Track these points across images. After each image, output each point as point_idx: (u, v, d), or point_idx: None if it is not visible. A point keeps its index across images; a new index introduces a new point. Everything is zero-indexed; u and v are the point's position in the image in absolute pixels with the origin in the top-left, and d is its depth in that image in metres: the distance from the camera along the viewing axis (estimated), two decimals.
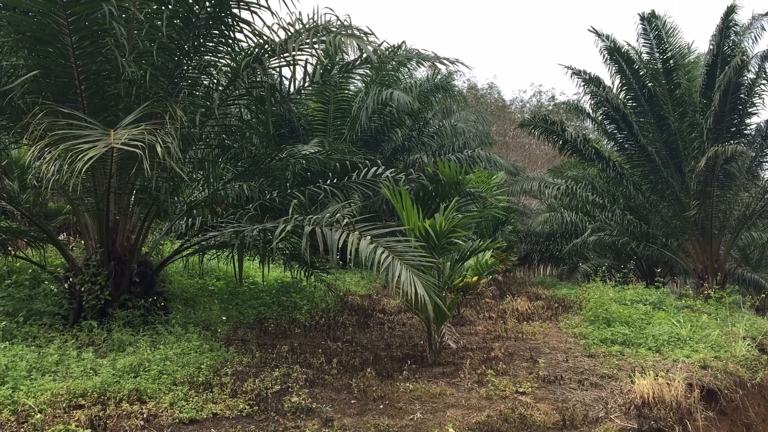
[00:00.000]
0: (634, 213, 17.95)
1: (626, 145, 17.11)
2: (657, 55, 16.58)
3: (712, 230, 16.16)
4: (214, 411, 5.51)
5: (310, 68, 9.10)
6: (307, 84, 9.43)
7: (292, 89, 9.28)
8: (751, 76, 15.74)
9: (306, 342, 8.43)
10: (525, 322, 10.37)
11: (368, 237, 6.66)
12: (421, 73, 18.89)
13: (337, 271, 13.58)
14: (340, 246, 6.75)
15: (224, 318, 8.90)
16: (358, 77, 14.89)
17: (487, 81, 40.01)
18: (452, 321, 9.64)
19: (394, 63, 15.28)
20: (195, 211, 10.24)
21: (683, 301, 12.15)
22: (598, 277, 13.55)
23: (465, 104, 22.99)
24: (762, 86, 15.81)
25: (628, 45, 16.86)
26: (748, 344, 9.10)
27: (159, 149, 5.93)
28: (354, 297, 12.23)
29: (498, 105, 39.98)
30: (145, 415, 5.29)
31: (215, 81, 8.73)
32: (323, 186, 9.68)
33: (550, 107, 37.56)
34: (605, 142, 19.14)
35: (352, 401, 6.15)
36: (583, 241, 18.97)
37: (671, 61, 16.32)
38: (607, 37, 16.71)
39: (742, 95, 15.66)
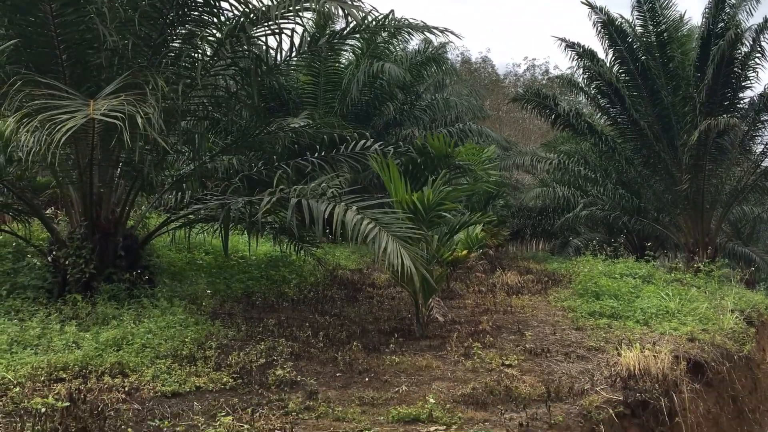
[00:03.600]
0: (626, 187, 17.90)
1: (619, 119, 17.01)
2: (651, 28, 16.43)
3: (704, 204, 16.14)
4: (198, 384, 5.45)
5: (296, 37, 8.96)
6: (294, 54, 9.27)
7: (278, 59, 9.13)
8: (745, 49, 15.63)
9: (293, 316, 8.38)
10: (514, 296, 10.34)
11: (354, 208, 6.59)
12: (413, 45, 18.71)
13: (327, 246, 13.51)
14: (326, 218, 6.67)
15: (209, 291, 8.83)
16: (349, 48, 14.72)
17: (480, 55, 39.74)
18: (441, 294, 9.59)
19: (385, 35, 15.08)
20: (184, 185, 10.14)
21: (673, 275, 12.13)
22: (589, 252, 13.53)
23: (457, 77, 22.85)
24: (756, 60, 15.73)
25: (622, 18, 16.71)
26: (736, 317, 9.13)
27: (140, 120, 5.83)
28: (344, 271, 12.18)
29: (492, 79, 39.71)
30: (126, 389, 5.23)
31: (200, 51, 8.58)
32: (311, 159, 9.56)
33: (544, 81, 37.31)
34: (598, 117, 19.03)
35: (338, 374, 6.12)
36: (575, 215, 18.90)
37: (665, 34, 16.18)
38: (601, 9, 16.53)
39: (735, 69, 15.56)
